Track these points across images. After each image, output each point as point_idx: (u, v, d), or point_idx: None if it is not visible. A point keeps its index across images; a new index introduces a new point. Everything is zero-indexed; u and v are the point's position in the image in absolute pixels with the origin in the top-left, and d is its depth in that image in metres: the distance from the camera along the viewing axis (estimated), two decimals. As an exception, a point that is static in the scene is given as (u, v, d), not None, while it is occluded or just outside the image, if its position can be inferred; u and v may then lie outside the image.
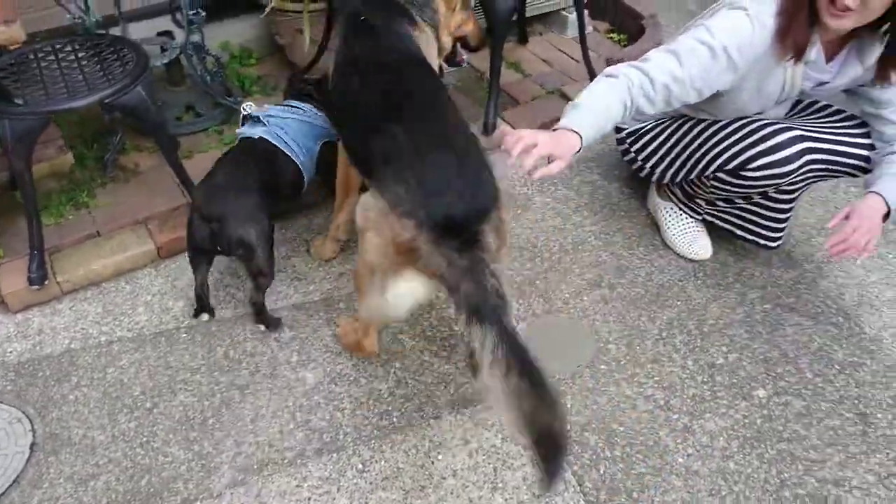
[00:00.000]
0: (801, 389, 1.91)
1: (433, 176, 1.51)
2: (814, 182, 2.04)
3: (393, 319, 1.93)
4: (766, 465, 1.74)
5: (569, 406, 1.85)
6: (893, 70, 1.79)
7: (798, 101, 2.08)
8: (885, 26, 1.70)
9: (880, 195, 1.84)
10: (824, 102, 2.05)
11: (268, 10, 2.61)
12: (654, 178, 2.26)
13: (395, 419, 1.83)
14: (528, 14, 3.13)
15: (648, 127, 2.21)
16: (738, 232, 2.20)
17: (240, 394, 1.87)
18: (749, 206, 2.11)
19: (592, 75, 2.84)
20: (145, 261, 2.22)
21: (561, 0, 3.21)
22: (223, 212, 1.84)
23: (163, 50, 2.55)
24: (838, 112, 2.03)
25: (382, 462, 1.73)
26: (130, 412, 1.83)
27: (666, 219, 2.31)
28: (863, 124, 1.97)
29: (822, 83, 1.90)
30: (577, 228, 2.39)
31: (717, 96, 1.86)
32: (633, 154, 2.27)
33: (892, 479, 1.71)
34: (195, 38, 2.49)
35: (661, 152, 2.18)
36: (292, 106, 2.22)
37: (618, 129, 2.30)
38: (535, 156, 1.52)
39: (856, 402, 1.88)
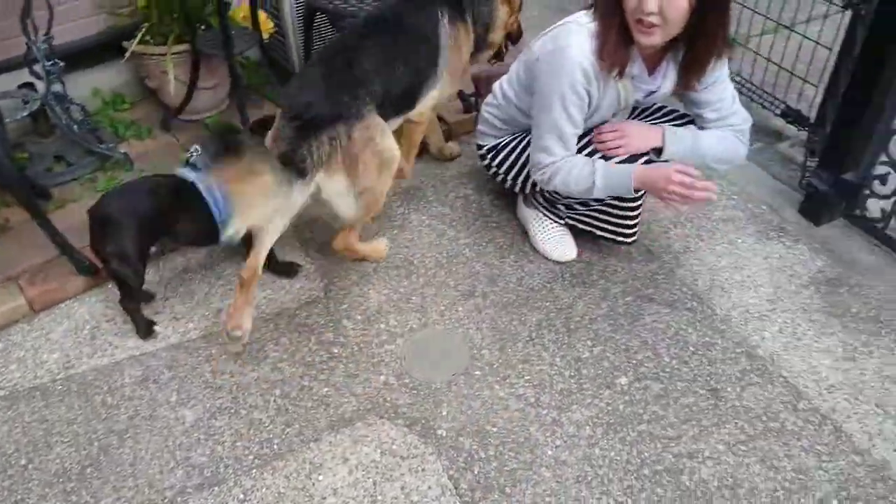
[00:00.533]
0: (658, 373, 2.05)
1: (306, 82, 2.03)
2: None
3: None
4: (628, 446, 1.86)
5: (444, 414, 1.94)
6: (695, 78, 1.97)
7: (635, 108, 2.24)
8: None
9: (662, 130, 2.08)
10: (659, 105, 2.22)
11: (127, 55, 2.63)
12: (517, 188, 2.39)
13: (275, 446, 1.87)
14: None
15: (506, 141, 2.33)
16: (598, 232, 2.35)
17: (118, 439, 1.88)
18: (603, 208, 2.26)
19: (459, 94, 2.97)
20: (17, 316, 2.19)
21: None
22: (105, 231, 1.99)
23: (25, 102, 2.54)
24: (671, 112, 2.21)
25: (264, 489, 1.77)
26: (3, 471, 1.80)
27: (533, 226, 2.44)
28: (693, 122, 2.15)
29: (651, 92, 2.07)
30: (451, 243, 2.49)
31: None
32: (494, 168, 2.39)
33: (740, 447, 1.86)
34: (56, 88, 2.48)
35: (519, 164, 2.30)
36: None
37: (479, 146, 2.43)
38: None
39: (708, 378, 2.03)
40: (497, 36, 2.41)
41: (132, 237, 1.99)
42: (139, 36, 2.68)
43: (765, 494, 1.76)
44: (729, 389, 2.00)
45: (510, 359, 2.09)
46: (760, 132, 3.03)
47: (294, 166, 1.87)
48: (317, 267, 2.39)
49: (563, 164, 2.02)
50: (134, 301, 2.12)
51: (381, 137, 2.02)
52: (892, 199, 2.30)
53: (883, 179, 2.31)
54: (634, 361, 2.08)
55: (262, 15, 2.80)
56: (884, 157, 2.28)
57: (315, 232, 2.52)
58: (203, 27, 2.78)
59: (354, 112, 1.95)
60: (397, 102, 2.13)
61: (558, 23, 2.02)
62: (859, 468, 1.81)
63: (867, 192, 2.39)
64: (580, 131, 2.05)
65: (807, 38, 2.77)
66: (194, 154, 2.10)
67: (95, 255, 2.08)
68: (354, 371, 2.05)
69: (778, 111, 2.94)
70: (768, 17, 2.97)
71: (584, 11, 1.98)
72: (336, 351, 2.11)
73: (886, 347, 2.11)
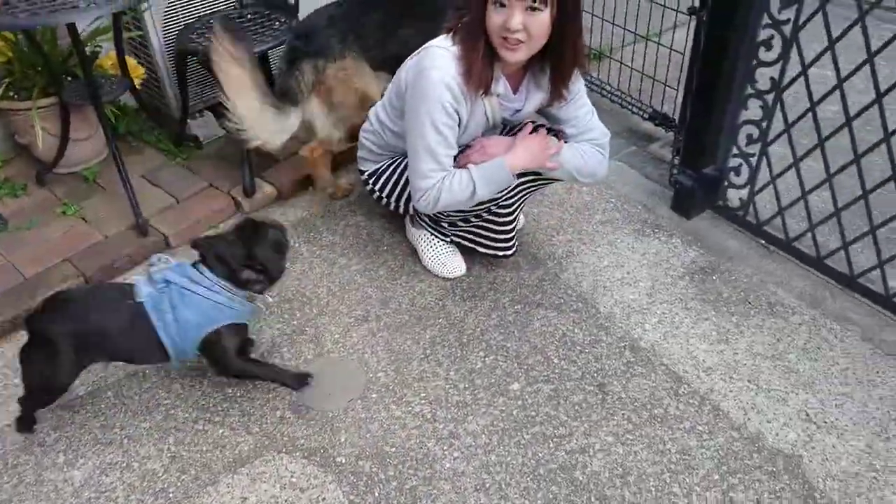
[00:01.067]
0: (549, 375, 2.12)
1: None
2: (529, 194, 2.30)
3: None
4: (523, 449, 1.92)
5: (343, 440, 1.95)
6: (563, 87, 2.08)
7: (505, 125, 2.34)
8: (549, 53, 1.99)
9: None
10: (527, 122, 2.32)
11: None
12: (402, 210, 2.44)
13: (171, 495, 1.83)
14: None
15: (384, 165, 2.38)
16: (480, 249, 2.42)
17: (2, 510, 1.80)
18: (482, 224, 2.33)
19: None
20: None
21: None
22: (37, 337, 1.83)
23: None
24: (539, 127, 2.31)
25: (160, 541, 1.73)
26: None
27: (422, 245, 2.49)
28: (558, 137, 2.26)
29: (517, 111, 2.16)
30: (343, 270, 2.51)
31: None
32: (378, 192, 2.43)
33: (628, 436, 1.95)
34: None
35: (400, 186, 2.35)
36: (202, 274, 1.87)
37: (361, 172, 2.47)
38: None
39: (595, 375, 2.12)
40: None
41: (68, 358, 1.81)
42: (1, 91, 2.60)
43: (652, 478, 1.85)
44: (615, 383, 2.10)
45: (405, 378, 2.12)
46: (633, 136, 3.20)
47: (289, 98, 2.47)
48: (207, 309, 2.37)
49: (443, 184, 2.08)
50: (38, 407, 1.97)
51: (357, 78, 2.48)
52: (748, 188, 2.47)
53: (737, 171, 2.49)
54: (526, 366, 2.15)
55: (131, 61, 2.78)
56: (735, 151, 2.45)
57: (204, 274, 2.50)
58: (69, 78, 2.72)
59: (336, 52, 2.46)
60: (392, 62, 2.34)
61: (422, 48, 2.09)
62: (737, 442, 1.93)
63: (726, 183, 2.56)
64: (455, 152, 2.12)
65: (661, 45, 2.96)
66: (156, 262, 1.89)
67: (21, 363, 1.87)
68: (250, 409, 2.04)
69: (646, 115, 3.12)
70: (627, 30, 3.15)
71: (445, 35, 2.05)
72: (230, 391, 2.09)
73: (755, 326, 2.26)
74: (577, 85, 2.12)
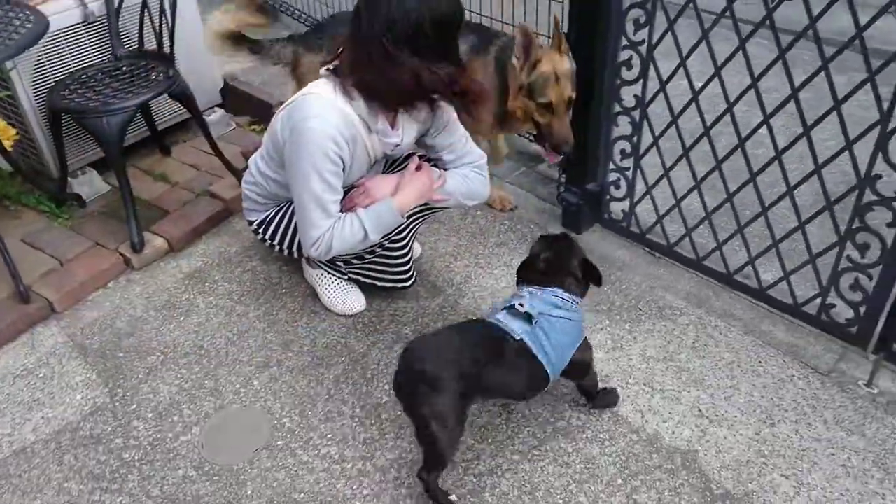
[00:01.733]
0: (454, 401, 2.14)
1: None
2: (420, 224, 2.34)
3: None
4: (433, 479, 1.93)
5: (249, 493, 1.90)
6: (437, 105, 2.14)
7: (387, 160, 2.37)
8: None
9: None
10: (407, 154, 2.36)
11: None
12: (296, 255, 2.42)
13: (67, 574, 1.74)
14: (160, 128, 3.21)
15: (272, 213, 2.35)
16: (378, 283, 2.43)
17: None
18: (376, 259, 2.34)
19: (231, 170, 2.98)
20: None
21: (184, 111, 3.32)
22: (416, 389, 1.73)
23: None
24: (420, 157, 2.35)
25: None
26: None
27: (320, 285, 2.49)
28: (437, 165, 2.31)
29: (396, 145, 2.20)
30: (241, 318, 2.47)
31: None
32: (269, 241, 2.39)
33: (534, 452, 1.99)
34: None
35: (290, 231, 2.32)
36: (561, 298, 1.88)
37: (249, 222, 2.43)
38: None
39: (499, 395, 2.16)
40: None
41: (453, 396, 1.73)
42: None
43: (559, 491, 1.89)
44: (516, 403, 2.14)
45: (311, 421, 2.10)
46: (522, 157, 3.31)
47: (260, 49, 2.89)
48: (99, 372, 2.28)
49: (333, 232, 2.07)
50: (437, 469, 1.81)
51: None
52: (628, 200, 2.59)
53: (616, 185, 2.61)
54: (431, 395, 2.16)
55: (0, 122, 2.66)
56: (612, 166, 2.57)
57: (94, 336, 2.40)
58: (-68, 145, 2.59)
59: (315, 47, 2.75)
60: None
61: (297, 95, 2.09)
62: (636, 445, 2.00)
63: (608, 197, 2.68)
64: (340, 196, 2.12)
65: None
66: (521, 295, 1.88)
67: (407, 411, 1.79)
68: (149, 472, 1.97)
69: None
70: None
71: (323, 80, 2.05)
72: (127, 456, 2.01)
73: (647, 331, 2.36)
74: (451, 114, 2.18)
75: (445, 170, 2.24)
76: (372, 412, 2.12)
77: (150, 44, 2.89)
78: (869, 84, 1.80)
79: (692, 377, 2.19)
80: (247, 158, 2.94)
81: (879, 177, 1.90)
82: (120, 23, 2.92)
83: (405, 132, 2.17)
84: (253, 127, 3.51)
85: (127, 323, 2.47)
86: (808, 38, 1.88)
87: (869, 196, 1.94)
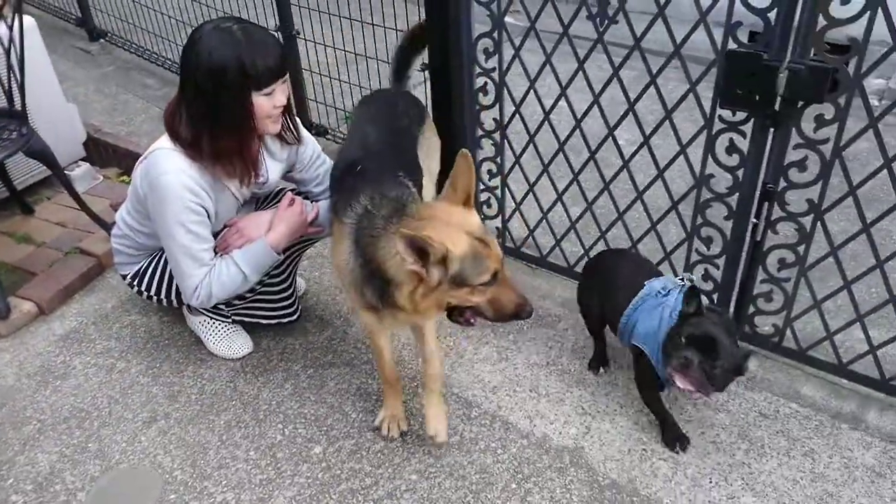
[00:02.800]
0: (349, 430, 2.16)
1: None
2: (298, 257, 2.37)
3: None
4: (333, 510, 1.94)
5: (143, 552, 1.85)
6: (297, 129, 2.18)
7: (257, 199, 2.38)
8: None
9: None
10: (277, 189, 2.38)
11: None
12: (174, 304, 2.37)
13: None
14: (20, 187, 3.07)
15: (145, 264, 2.30)
16: (264, 321, 2.43)
17: None
18: (258, 297, 2.34)
19: (101, 224, 2.89)
20: None
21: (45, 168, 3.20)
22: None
23: None
24: (290, 191, 2.38)
25: None
26: None
27: (204, 331, 2.45)
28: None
29: (263, 183, 2.22)
30: (123, 374, 2.39)
31: None
32: (146, 293, 2.34)
33: (430, 470, 2.04)
34: None
35: (165, 280, 2.28)
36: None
37: (123, 276, 2.37)
38: None
39: (393, 419, 2.20)
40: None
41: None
42: None
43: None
44: (413, 422, 2.18)
45: (204, 470, 2.06)
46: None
47: None
48: (-31, 450, 2.14)
49: (211, 278, 2.06)
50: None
51: None
52: (499, 218, 2.72)
53: (487, 203, 2.73)
54: (325, 427, 2.18)
55: None
56: (482, 186, 2.69)
57: (-40, 413, 2.26)
58: None
59: None
60: None
61: (148, 151, 2.05)
62: (527, 449, 2.09)
63: (482, 217, 2.78)
64: (212, 243, 2.10)
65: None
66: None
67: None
68: (32, 547, 1.87)
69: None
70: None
71: (166, 137, 2.02)
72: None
73: (530, 340, 2.47)
74: (314, 147, 2.23)
75: (316, 201, 2.28)
76: (266, 452, 2.10)
77: (1, 101, 2.78)
78: (692, 93, 2.00)
79: (574, 378, 2.31)
80: (114, 208, 2.88)
81: (712, 176, 2.10)
82: (-35, 82, 2.79)
83: (269, 171, 2.20)
84: (122, 178, 3.41)
85: (-3, 395, 2.34)
86: (638, 57, 2.06)
87: (706, 194, 2.14)
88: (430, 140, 2.35)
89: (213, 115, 1.90)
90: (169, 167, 1.97)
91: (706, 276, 2.28)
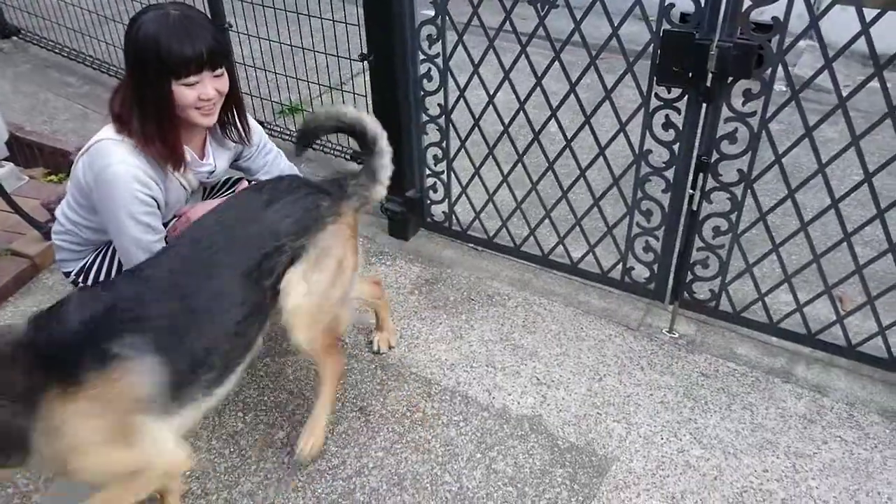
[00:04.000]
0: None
1: None
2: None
3: None
4: (302, 492, 1.95)
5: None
6: (246, 126, 2.16)
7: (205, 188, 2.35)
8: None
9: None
10: (225, 178, 2.36)
11: None
12: (122, 296, 2.32)
13: None
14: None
15: (90, 260, 2.24)
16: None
17: None
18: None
19: (33, 224, 2.78)
20: None
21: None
22: None
23: None
24: (239, 180, 2.37)
25: None
26: None
27: (153, 326, 2.40)
28: None
29: (211, 172, 2.20)
30: (70, 374, 2.32)
31: None
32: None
33: (396, 446, 2.08)
34: None
35: (113, 273, 2.21)
36: None
37: (66, 274, 2.29)
38: None
39: (354, 401, 2.22)
40: None
41: None
42: None
43: (425, 477, 1.99)
44: (374, 402, 2.22)
45: (166, 463, 2.03)
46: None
47: None
48: None
49: None
50: None
51: None
52: (446, 203, 2.78)
53: (434, 189, 2.79)
54: (287, 413, 2.18)
55: None
56: (428, 171, 2.75)
57: None
58: None
59: None
60: None
61: (90, 143, 2.00)
62: (489, 420, 2.16)
63: (429, 201, 2.85)
64: (163, 234, 2.07)
65: (347, 92, 3.20)
66: None
67: None
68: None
69: (348, 156, 3.34)
70: (315, 84, 3.36)
71: (109, 126, 1.97)
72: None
73: (481, 318, 2.54)
74: (261, 135, 2.23)
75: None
76: (229, 441, 2.09)
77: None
78: (630, 75, 2.12)
79: (527, 351, 2.40)
80: (48, 210, 2.78)
81: (650, 151, 2.23)
82: None
83: (216, 159, 2.18)
84: (50, 178, 3.29)
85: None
86: (577, 44, 2.17)
87: (645, 168, 2.26)
88: (322, 251, 1.95)
89: (138, 96, 1.90)
90: (114, 158, 1.92)
91: (647, 248, 2.41)
